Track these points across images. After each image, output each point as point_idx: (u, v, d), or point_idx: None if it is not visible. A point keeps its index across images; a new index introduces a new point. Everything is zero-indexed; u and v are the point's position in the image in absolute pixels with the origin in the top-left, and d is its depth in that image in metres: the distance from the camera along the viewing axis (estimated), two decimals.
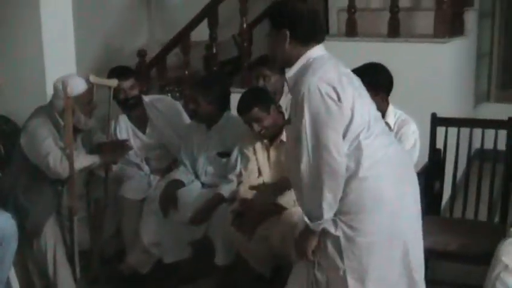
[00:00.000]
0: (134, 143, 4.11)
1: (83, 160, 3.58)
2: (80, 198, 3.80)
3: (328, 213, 2.42)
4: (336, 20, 5.34)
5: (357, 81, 2.55)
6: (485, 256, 2.85)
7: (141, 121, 4.17)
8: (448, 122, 3.67)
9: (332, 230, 2.46)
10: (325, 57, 2.50)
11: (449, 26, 4.60)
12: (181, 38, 5.15)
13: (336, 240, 2.47)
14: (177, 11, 6.34)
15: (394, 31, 4.60)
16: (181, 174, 3.92)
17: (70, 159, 3.44)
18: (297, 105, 2.40)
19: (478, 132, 3.64)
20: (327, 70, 2.42)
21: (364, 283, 2.47)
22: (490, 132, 3.55)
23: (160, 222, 3.78)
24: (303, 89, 2.37)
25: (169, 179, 3.87)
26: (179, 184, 3.85)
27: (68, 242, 3.66)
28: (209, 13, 5.04)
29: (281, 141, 3.40)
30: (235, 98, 4.65)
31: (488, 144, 3.55)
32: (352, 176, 2.41)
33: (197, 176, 3.94)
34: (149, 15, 6.52)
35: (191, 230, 3.73)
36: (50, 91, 3.82)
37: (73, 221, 3.58)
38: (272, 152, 3.47)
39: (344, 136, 2.39)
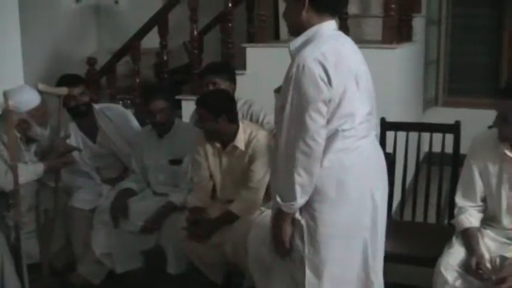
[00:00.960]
0: (84, 151, 4.06)
1: (28, 174, 3.52)
2: (29, 209, 3.74)
3: (301, 196, 2.37)
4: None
5: (362, 69, 2.52)
6: (434, 259, 2.91)
7: (91, 130, 4.11)
8: (397, 126, 3.71)
9: (298, 215, 2.44)
10: (332, 35, 2.45)
11: (397, 32, 4.67)
12: (132, 46, 5.11)
13: (300, 228, 2.45)
14: (126, 19, 6.30)
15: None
16: (132, 182, 3.88)
17: (14, 172, 3.38)
18: (287, 78, 2.37)
19: (426, 136, 3.70)
20: (326, 50, 2.36)
21: (320, 277, 2.46)
22: (438, 136, 3.61)
23: (112, 232, 3.74)
24: (296, 63, 2.33)
25: (120, 188, 3.83)
26: (130, 193, 3.82)
27: (16, 254, 3.59)
28: (159, 20, 5.02)
29: (234, 146, 3.39)
30: (186, 106, 4.67)
31: (437, 148, 3.62)
32: None
33: (148, 185, 3.91)
34: (98, 23, 6.46)
35: (143, 239, 3.70)
36: None
37: (19, 233, 3.51)
38: (224, 158, 3.46)
39: (328, 121, 2.36)
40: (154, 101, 3.70)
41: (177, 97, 4.50)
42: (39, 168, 3.60)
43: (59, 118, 3.78)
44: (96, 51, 6.01)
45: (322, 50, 2.35)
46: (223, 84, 3.70)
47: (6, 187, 3.43)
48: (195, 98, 4.55)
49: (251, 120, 3.68)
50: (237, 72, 4.10)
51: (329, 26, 2.46)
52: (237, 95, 3.77)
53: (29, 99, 3.56)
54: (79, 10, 6.24)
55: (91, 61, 5.13)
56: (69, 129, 4.04)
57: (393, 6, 4.52)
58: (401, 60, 4.86)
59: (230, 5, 4.84)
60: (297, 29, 2.48)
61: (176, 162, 3.75)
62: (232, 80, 3.79)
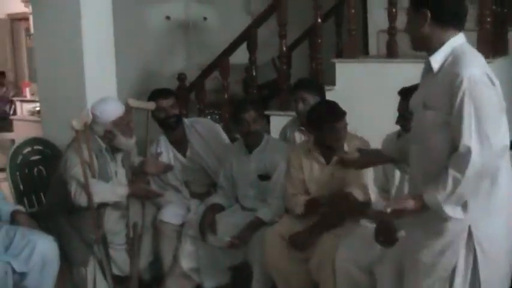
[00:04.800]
0: (174, 165, 4.10)
1: (108, 194, 3.60)
2: (119, 220, 3.81)
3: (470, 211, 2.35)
4: (375, 41, 5.29)
5: None
6: None
7: (181, 143, 4.15)
8: None
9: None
10: (471, 48, 2.45)
11: (492, 46, 4.51)
12: (221, 62, 5.14)
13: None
14: (214, 35, 6.38)
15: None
16: (220, 198, 3.90)
17: (86, 191, 3.47)
18: (453, 95, 2.31)
19: None
20: (482, 63, 2.39)
21: None
22: None
23: (200, 246, 3.76)
24: (462, 79, 2.29)
25: (209, 203, 3.85)
26: (218, 208, 3.84)
27: (106, 268, 3.67)
28: (248, 36, 5.03)
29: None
30: (274, 121, 4.66)
31: None
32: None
33: (237, 200, 3.90)
34: (187, 39, 6.56)
35: (230, 254, 3.70)
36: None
37: (100, 249, 3.60)
38: (327, 171, 3.45)
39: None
40: (246, 111, 3.71)
41: (265, 112, 4.49)
42: (122, 191, 3.66)
43: (147, 132, 3.85)
44: (185, 67, 6.10)
45: (481, 62, 2.38)
46: (313, 100, 3.68)
47: (81, 204, 3.51)
48: (283, 113, 4.60)
49: None
50: (325, 87, 4.05)
51: (463, 39, 2.44)
52: None
53: (112, 109, 3.66)
54: (169, 27, 6.36)
55: (181, 77, 5.20)
56: (160, 143, 4.10)
57: (488, 19, 4.38)
58: (498, 74, 4.65)
59: (319, 20, 4.80)
60: (421, 44, 2.47)
61: (265, 177, 3.74)
62: (321, 96, 3.78)
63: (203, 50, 6.24)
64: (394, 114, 3.17)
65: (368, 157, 2.88)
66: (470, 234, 2.37)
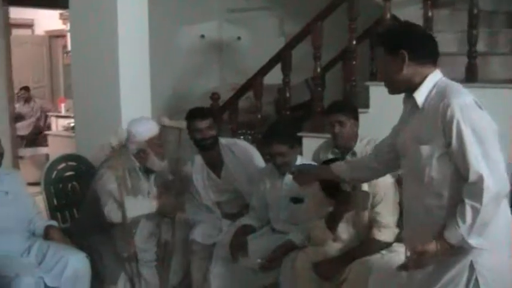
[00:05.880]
0: (208, 185, 4.11)
1: (139, 208, 3.62)
2: (149, 238, 3.82)
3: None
4: None
5: None
6: None
7: (215, 163, 4.15)
8: None
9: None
10: (452, 81, 2.49)
11: None
12: (254, 82, 5.15)
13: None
14: (247, 55, 6.41)
15: (472, 76, 4.47)
16: (251, 219, 3.88)
17: (122, 208, 3.48)
18: (446, 126, 2.33)
19: None
20: (467, 92, 2.41)
21: None
22: None
23: (230, 267, 3.75)
24: (453, 108, 2.31)
25: (240, 224, 3.84)
26: (249, 229, 3.82)
27: (136, 285, 3.68)
28: (283, 57, 5.04)
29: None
30: (306, 143, 4.64)
31: None
32: None
33: (268, 222, 3.89)
34: (220, 58, 6.61)
35: (261, 276, 3.67)
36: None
37: (132, 266, 3.62)
38: None
39: None
40: (275, 144, 3.66)
41: (298, 134, 4.48)
42: (152, 204, 3.68)
43: (178, 150, 3.87)
44: (218, 86, 6.14)
45: (464, 91, 2.40)
46: (348, 122, 3.67)
47: (115, 220, 3.54)
48: (316, 135, 4.58)
49: None
50: (359, 110, 4.04)
51: (441, 74, 2.49)
52: (360, 133, 3.73)
53: (148, 128, 3.70)
54: (203, 46, 6.42)
55: (215, 96, 5.22)
56: (194, 163, 4.11)
57: None
58: None
59: (354, 42, 4.79)
60: (402, 86, 2.50)
61: (298, 200, 3.72)
62: (356, 118, 3.77)
63: (236, 69, 6.28)
64: None
65: (305, 176, 3.11)
66: (472, 268, 2.36)
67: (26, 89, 9.63)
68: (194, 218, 4.03)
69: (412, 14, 5.10)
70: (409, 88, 2.48)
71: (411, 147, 2.49)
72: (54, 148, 7.83)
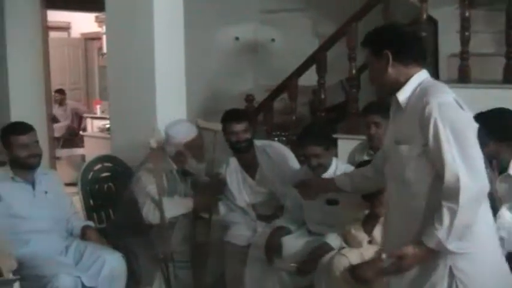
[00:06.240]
0: (243, 187, 4.10)
1: (176, 208, 3.64)
2: (184, 239, 3.84)
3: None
4: (446, 65, 5.20)
5: None
6: None
7: (251, 166, 4.14)
8: None
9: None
10: (437, 81, 2.48)
11: None
12: (289, 83, 5.14)
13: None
14: (281, 56, 6.40)
15: (510, 77, 4.40)
16: (286, 221, 3.86)
17: (160, 208, 3.51)
18: (425, 124, 2.29)
19: None
20: (449, 91, 2.37)
21: None
22: None
23: (265, 269, 3.73)
24: (431, 107, 2.28)
25: (275, 226, 3.83)
26: (284, 231, 3.80)
27: (172, 286, 3.70)
28: (318, 59, 5.02)
29: None
30: (341, 144, 4.61)
31: None
32: None
33: (304, 223, 3.87)
34: (255, 60, 6.61)
35: (296, 278, 3.66)
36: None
37: (168, 267, 3.63)
38: None
39: None
40: (310, 146, 3.64)
41: (333, 135, 4.45)
42: (188, 203, 3.70)
43: (213, 152, 3.88)
44: (253, 88, 6.14)
45: (447, 91, 2.36)
46: (385, 124, 3.62)
47: (153, 221, 3.56)
48: (351, 136, 4.55)
49: None
50: None
51: (427, 74, 2.45)
52: None
53: (186, 130, 3.73)
54: (238, 48, 6.43)
55: (249, 98, 5.22)
56: (229, 165, 4.11)
57: None
58: None
59: None
60: (388, 87, 2.47)
61: (333, 202, 3.69)
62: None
63: (270, 71, 6.28)
64: None
65: (309, 188, 3.17)
66: (451, 274, 2.29)
67: (61, 91, 9.76)
68: (229, 219, 4.03)
69: (449, 14, 5.06)
70: (395, 89, 2.44)
71: (393, 148, 2.45)
72: (90, 149, 7.96)
